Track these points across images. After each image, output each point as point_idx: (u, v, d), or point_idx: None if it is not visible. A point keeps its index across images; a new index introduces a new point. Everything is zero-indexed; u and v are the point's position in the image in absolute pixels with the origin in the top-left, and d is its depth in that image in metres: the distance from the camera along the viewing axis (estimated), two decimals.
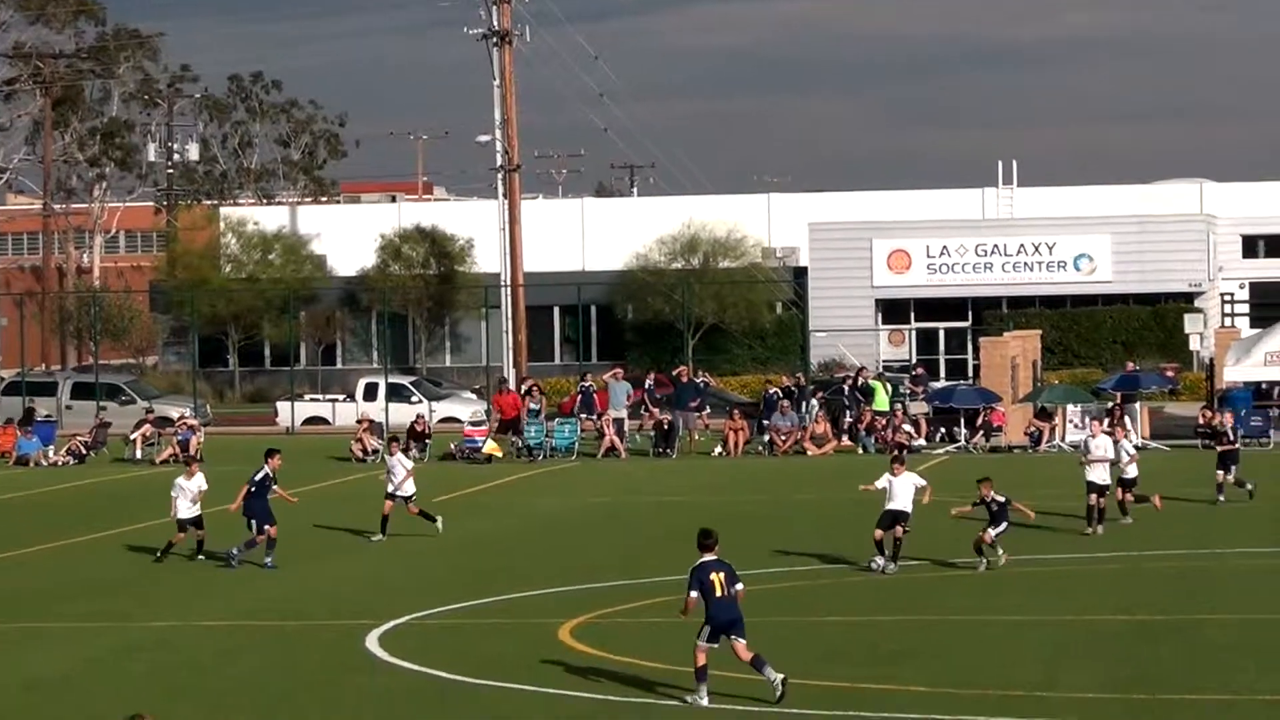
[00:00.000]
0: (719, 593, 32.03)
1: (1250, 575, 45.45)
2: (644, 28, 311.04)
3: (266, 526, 47.87)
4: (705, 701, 31.85)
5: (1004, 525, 45.93)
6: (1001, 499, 46.36)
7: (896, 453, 55.51)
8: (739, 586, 32.48)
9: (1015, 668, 34.32)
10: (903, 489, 45.99)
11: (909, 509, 45.88)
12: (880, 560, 45.30)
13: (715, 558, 32.58)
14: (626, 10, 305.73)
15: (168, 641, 38.94)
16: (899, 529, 45.69)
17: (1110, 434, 54.93)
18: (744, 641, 31.91)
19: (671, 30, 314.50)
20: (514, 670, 34.41)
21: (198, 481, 49.44)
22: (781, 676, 31.49)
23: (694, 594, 32.10)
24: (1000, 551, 45.81)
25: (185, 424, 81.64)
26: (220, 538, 49.00)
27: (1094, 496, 51.29)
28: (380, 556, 51.12)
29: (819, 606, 41.43)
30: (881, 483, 46.56)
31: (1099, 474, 51.59)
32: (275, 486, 49.35)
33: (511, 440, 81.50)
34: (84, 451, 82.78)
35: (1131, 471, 53.31)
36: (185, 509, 48.92)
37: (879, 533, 45.69)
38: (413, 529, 52.55)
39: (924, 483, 46.68)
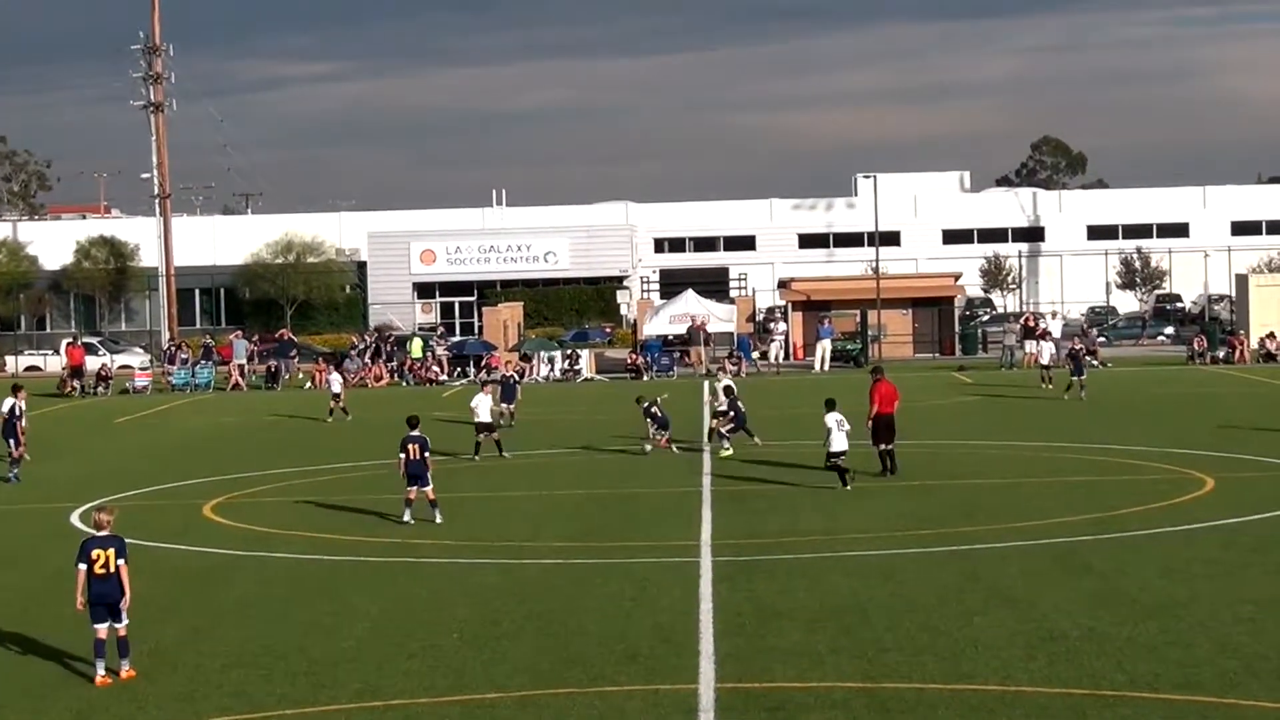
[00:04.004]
0: (413, 455, 33.61)
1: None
2: (259, 100, 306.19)
3: (18, 448, 44.40)
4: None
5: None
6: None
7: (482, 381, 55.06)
8: (427, 454, 33.90)
9: (504, 526, 34.21)
10: (486, 404, 45.68)
11: (489, 419, 45.59)
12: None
13: (418, 433, 34.02)
14: (245, 89, 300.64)
15: None
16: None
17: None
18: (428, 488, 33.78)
19: (278, 101, 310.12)
20: (173, 535, 33.80)
21: None
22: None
23: (401, 456, 33.84)
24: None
25: None
26: None
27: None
28: (81, 460, 49.96)
29: (377, 486, 40.88)
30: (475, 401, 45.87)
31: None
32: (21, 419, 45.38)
33: (70, 384, 79.31)
34: None
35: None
36: None
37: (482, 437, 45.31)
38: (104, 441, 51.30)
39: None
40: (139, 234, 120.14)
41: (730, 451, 44.42)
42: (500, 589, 26.95)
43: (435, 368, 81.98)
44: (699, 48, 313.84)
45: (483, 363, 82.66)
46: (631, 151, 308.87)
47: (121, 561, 21.72)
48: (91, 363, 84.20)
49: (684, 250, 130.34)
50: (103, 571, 21.56)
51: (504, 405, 54.28)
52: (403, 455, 34.02)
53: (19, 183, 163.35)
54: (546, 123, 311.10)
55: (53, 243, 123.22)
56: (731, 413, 45.56)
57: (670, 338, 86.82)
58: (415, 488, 33.91)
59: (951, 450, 45.79)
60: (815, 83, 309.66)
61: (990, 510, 34.15)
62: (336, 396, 61.15)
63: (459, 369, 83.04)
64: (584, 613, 24.75)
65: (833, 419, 37.36)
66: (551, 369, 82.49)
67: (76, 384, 78.72)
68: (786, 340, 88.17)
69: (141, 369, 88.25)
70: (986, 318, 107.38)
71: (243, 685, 21.06)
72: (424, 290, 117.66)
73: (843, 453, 37.36)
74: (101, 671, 21.38)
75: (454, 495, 38.49)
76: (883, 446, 39.66)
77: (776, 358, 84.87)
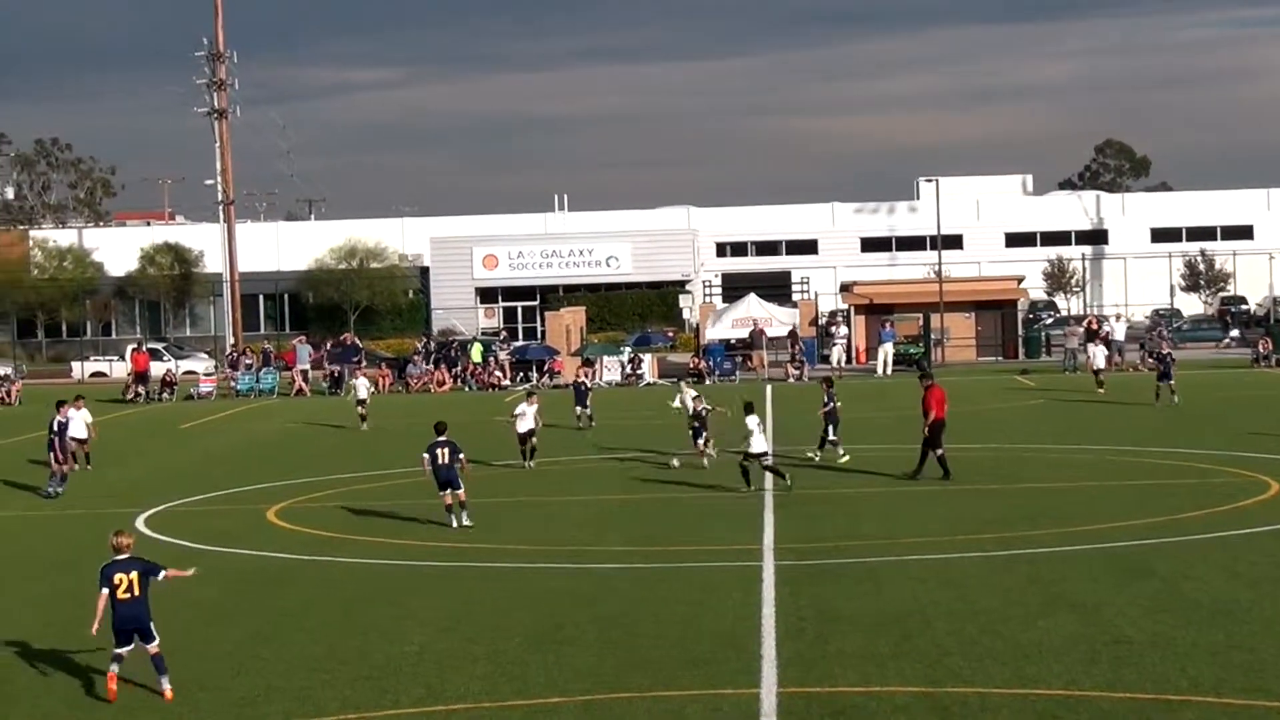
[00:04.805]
0: (442, 460, 33.84)
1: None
2: (320, 106, 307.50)
3: (62, 464, 43.08)
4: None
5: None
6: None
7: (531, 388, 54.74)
8: (461, 456, 34.16)
9: (565, 530, 34.23)
10: (531, 413, 45.27)
11: (531, 426, 45.10)
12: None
13: (445, 438, 34.21)
14: (306, 95, 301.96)
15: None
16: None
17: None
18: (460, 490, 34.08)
19: (339, 108, 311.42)
20: (236, 540, 33.97)
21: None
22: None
23: (426, 455, 34.12)
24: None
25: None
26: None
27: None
28: (146, 465, 50.22)
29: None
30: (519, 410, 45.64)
31: None
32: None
33: (135, 390, 79.62)
34: None
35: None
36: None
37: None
38: (168, 446, 51.61)
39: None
40: (203, 240, 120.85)
41: (847, 457, 43.40)
42: (562, 593, 26.97)
43: (498, 372, 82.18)
44: (757, 52, 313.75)
45: (545, 367, 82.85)
46: (692, 156, 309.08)
47: (159, 576, 21.37)
48: (156, 368, 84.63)
49: (746, 254, 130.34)
50: (126, 596, 21.07)
51: (579, 409, 56.83)
52: (427, 457, 34.28)
53: (84, 190, 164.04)
54: (606, 127, 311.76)
55: (118, 249, 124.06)
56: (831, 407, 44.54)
57: (733, 342, 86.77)
58: (449, 491, 34.08)
59: (1014, 454, 45.60)
60: (876, 86, 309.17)
61: (1053, 514, 33.99)
62: (362, 403, 60.52)
63: (521, 374, 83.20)
64: (646, 617, 24.74)
65: (753, 421, 38.13)
66: (614, 373, 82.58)
67: (141, 390, 79.10)
68: (849, 344, 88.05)
69: (206, 375, 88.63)
70: (1050, 321, 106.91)
71: (306, 690, 21.12)
72: (486, 295, 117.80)
73: (764, 453, 38.15)
74: (113, 677, 21.05)
75: (514, 500, 38.66)
76: (939, 451, 39.63)
77: (838, 361, 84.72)
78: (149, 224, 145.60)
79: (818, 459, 43.88)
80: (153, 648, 21.22)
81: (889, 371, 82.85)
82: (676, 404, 48.82)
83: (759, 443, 38.02)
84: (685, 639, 23.16)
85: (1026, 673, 20.74)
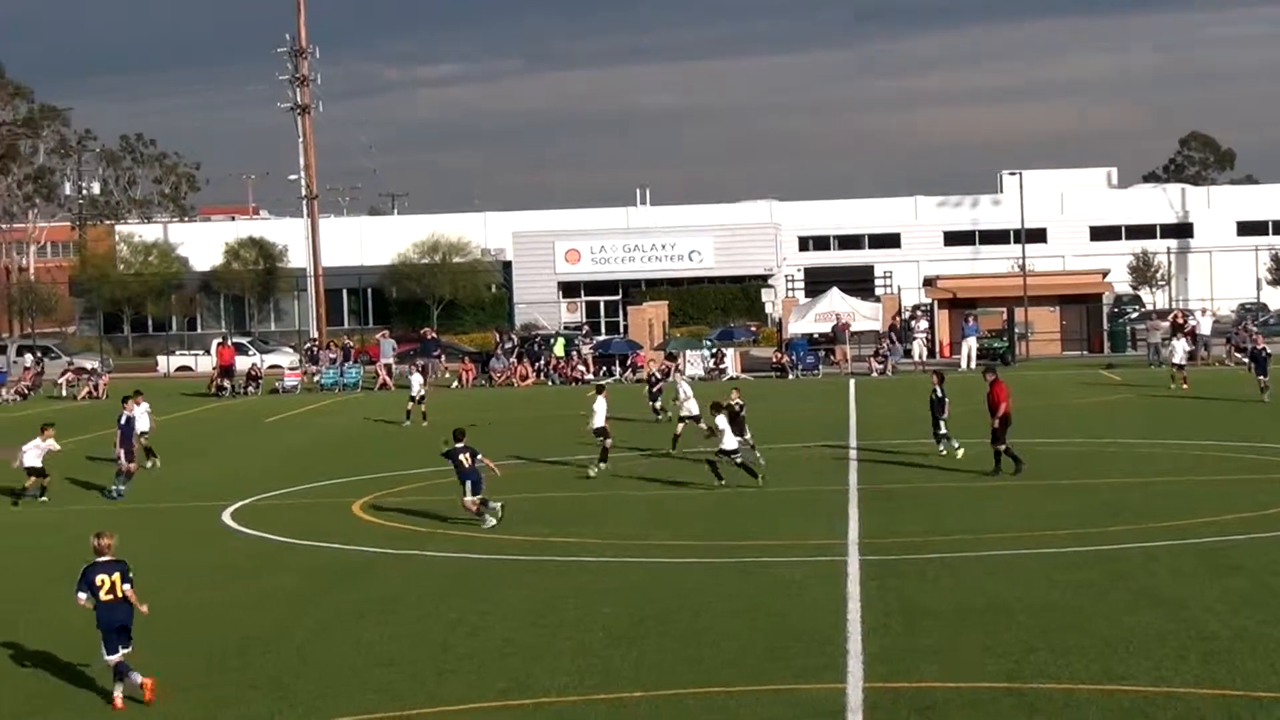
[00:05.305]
0: (469, 465, 33.90)
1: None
2: (401, 101, 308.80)
3: (129, 461, 41.97)
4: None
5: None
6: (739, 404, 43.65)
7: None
8: (480, 456, 34.35)
9: (647, 524, 34.19)
10: (603, 409, 43.59)
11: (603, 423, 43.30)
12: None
13: (464, 444, 34.27)
14: (392, 89, 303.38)
15: (72, 521, 38.17)
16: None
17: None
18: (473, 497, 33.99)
19: (422, 103, 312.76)
20: (321, 534, 34.12)
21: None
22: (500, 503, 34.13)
23: (461, 458, 34.00)
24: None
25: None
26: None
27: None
28: (231, 459, 50.51)
29: (541, 485, 40.99)
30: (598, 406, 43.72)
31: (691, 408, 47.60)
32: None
33: (220, 384, 79.86)
34: (27, 391, 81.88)
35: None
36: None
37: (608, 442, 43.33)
38: (252, 440, 51.72)
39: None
40: (287, 235, 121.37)
41: (962, 452, 42.59)
42: (646, 587, 26.95)
43: (580, 367, 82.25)
44: (840, 45, 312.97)
45: (628, 362, 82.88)
46: (774, 150, 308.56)
47: (128, 586, 21.03)
48: (241, 363, 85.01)
49: (828, 248, 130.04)
50: (109, 597, 20.82)
51: (651, 403, 57.36)
52: (453, 464, 34.36)
53: (169, 185, 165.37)
54: (685, 122, 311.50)
55: (202, 244, 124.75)
56: None
57: (815, 336, 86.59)
58: (477, 496, 34.19)
59: (1099, 449, 45.31)
60: (958, 79, 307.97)
61: (1138, 509, 33.76)
62: (415, 399, 59.95)
63: (604, 368, 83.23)
64: (730, 612, 24.70)
65: (723, 420, 38.93)
66: (697, 368, 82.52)
67: (226, 384, 79.52)
68: (931, 337, 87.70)
69: (290, 369, 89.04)
70: (1135, 315, 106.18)
71: (389, 682, 21.18)
72: (569, 289, 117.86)
73: (735, 451, 38.87)
74: (119, 695, 20.68)
75: (594, 494, 38.64)
76: (1006, 446, 39.43)
77: (919, 356, 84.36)
78: (233, 219, 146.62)
79: (961, 453, 42.60)
80: (125, 652, 20.96)
81: (972, 366, 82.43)
82: (682, 396, 48.18)
83: (730, 440, 38.82)
84: (770, 634, 23.11)
85: (1113, 668, 20.60)
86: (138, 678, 20.73)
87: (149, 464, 46.20)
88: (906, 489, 37.84)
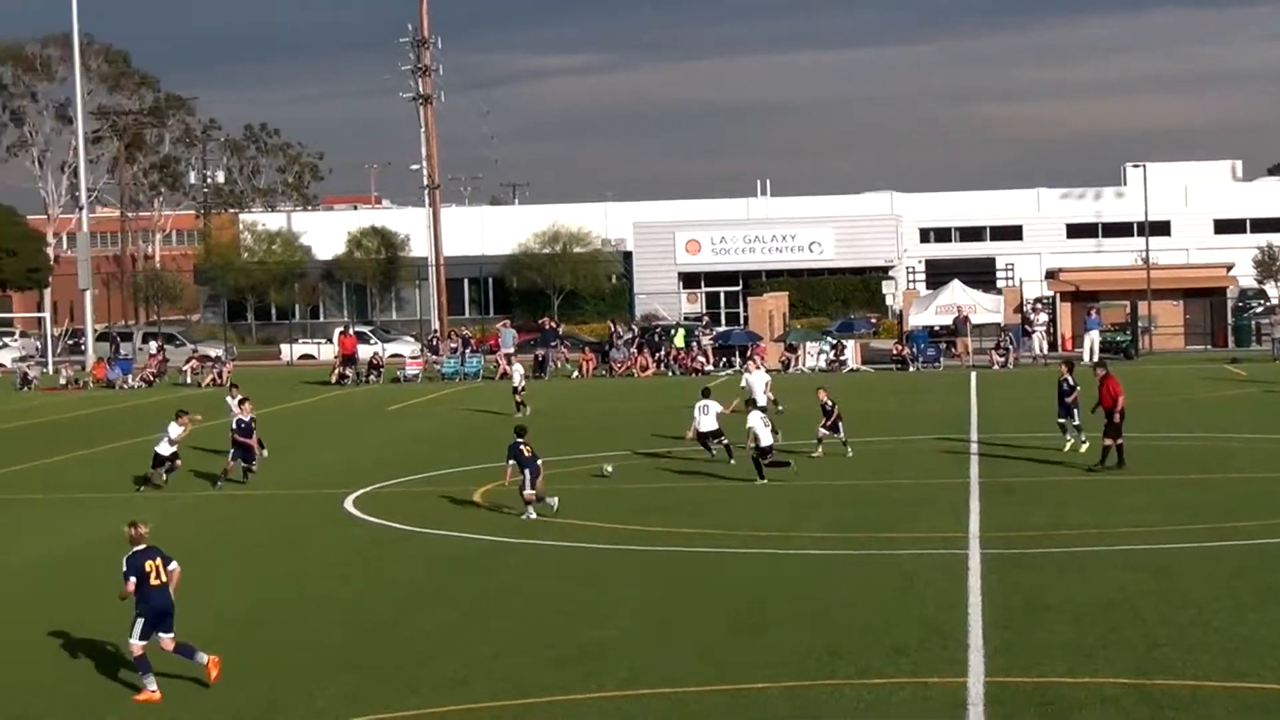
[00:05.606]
0: (527, 453, 34.36)
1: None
2: (524, 91, 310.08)
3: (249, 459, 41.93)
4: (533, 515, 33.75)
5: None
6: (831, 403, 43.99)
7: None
8: (539, 461, 34.51)
9: (766, 515, 34.23)
10: (714, 410, 42.52)
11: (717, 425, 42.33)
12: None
13: (524, 440, 34.79)
14: (507, 80, 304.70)
15: (197, 508, 38.58)
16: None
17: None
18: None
19: (545, 93, 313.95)
20: (442, 522, 34.27)
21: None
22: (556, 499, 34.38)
23: (512, 462, 34.62)
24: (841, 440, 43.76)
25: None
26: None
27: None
28: (354, 447, 50.84)
29: (660, 477, 41.04)
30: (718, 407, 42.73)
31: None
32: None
33: (342, 373, 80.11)
34: (152, 378, 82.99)
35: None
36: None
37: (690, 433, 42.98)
38: (362, 430, 51.94)
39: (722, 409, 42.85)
40: (409, 224, 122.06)
41: (1086, 445, 41.71)
42: (764, 579, 26.93)
43: (700, 357, 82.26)
44: (961, 35, 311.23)
45: (748, 353, 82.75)
46: (894, 141, 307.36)
47: (173, 565, 21.15)
48: (363, 351, 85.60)
49: (950, 240, 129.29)
50: (158, 582, 20.89)
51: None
52: (513, 462, 34.52)
53: (293, 174, 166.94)
54: (806, 113, 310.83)
55: (325, 233, 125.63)
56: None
57: (937, 328, 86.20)
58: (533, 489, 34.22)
59: (1223, 444, 44.86)
60: (1080, 70, 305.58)
61: (1263, 505, 33.37)
62: (516, 390, 59.92)
63: (725, 359, 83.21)
64: (850, 604, 24.64)
65: (755, 418, 38.85)
66: (817, 359, 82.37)
67: (349, 372, 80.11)
68: (1053, 330, 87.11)
69: (412, 358, 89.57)
70: (1260, 309, 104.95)
71: (511, 671, 21.25)
72: (689, 280, 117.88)
73: (770, 448, 38.68)
74: (153, 686, 20.57)
75: (714, 484, 38.65)
76: (1119, 440, 39.05)
77: (1039, 349, 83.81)
78: (355, 208, 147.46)
79: (1085, 447, 41.58)
80: (170, 639, 21.07)
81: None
82: (744, 384, 47.90)
83: (766, 437, 38.66)
84: (890, 626, 23.04)
85: (1239, 666, 20.39)
86: (203, 657, 20.88)
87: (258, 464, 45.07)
88: (1028, 482, 37.62)
